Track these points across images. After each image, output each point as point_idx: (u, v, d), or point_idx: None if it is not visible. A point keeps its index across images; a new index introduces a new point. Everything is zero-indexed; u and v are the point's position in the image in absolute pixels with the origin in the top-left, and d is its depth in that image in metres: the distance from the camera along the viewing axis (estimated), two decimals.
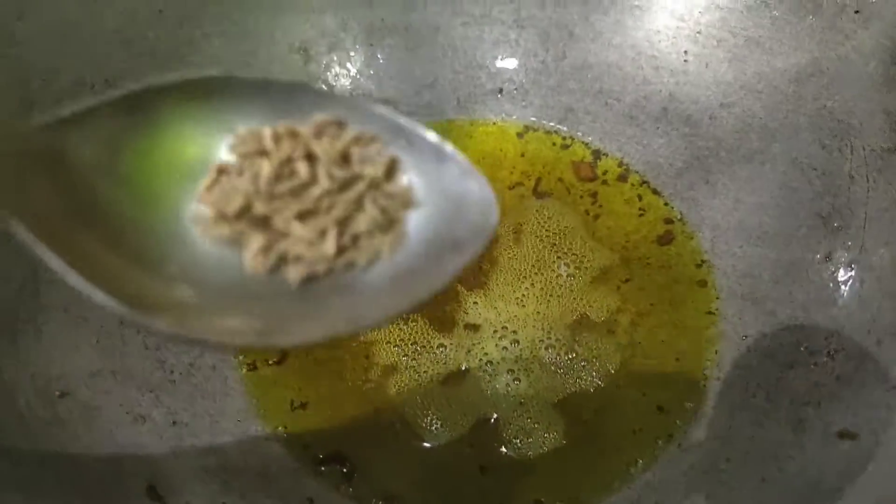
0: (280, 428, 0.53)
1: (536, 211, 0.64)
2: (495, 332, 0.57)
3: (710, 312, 0.58)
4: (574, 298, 0.59)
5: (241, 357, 0.56)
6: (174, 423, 0.51)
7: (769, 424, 0.51)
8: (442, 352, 0.56)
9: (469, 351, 0.57)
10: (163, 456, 0.48)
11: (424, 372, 0.56)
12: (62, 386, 0.48)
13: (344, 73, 0.69)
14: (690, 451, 0.51)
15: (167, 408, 0.51)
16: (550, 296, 0.59)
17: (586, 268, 0.60)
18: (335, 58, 0.69)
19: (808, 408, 0.50)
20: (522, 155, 0.67)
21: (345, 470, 0.51)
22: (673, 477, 0.50)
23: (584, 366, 0.56)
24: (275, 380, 0.55)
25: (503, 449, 0.53)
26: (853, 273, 0.54)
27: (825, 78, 0.60)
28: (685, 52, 0.65)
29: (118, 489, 0.44)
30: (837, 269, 0.55)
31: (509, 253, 0.61)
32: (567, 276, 0.59)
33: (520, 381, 0.55)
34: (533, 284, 0.59)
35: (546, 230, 0.62)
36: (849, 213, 0.56)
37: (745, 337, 0.56)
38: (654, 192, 0.64)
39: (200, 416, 0.52)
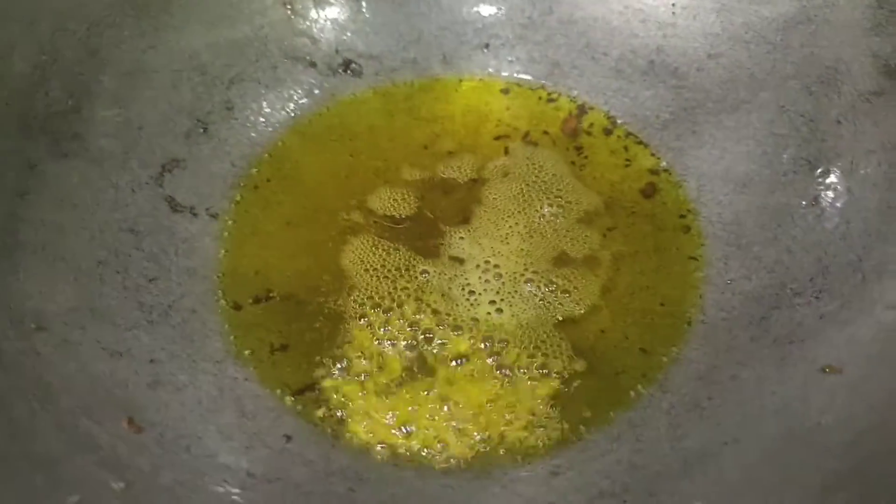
0: (258, 369, 0.52)
1: (523, 158, 0.63)
2: (478, 265, 0.57)
3: (694, 258, 0.57)
4: (557, 237, 0.58)
5: (220, 295, 0.55)
6: (151, 360, 0.50)
7: (752, 364, 0.50)
8: (425, 277, 0.56)
9: (452, 279, 0.56)
10: (139, 390, 0.48)
11: (406, 294, 0.55)
12: (38, 320, 0.48)
13: (329, 27, 0.68)
14: (672, 391, 0.51)
15: (145, 346, 0.51)
16: (534, 233, 0.58)
17: (571, 209, 0.60)
18: (320, 12, 0.68)
19: (793, 346, 0.50)
20: (508, 109, 0.67)
21: (321, 407, 0.51)
22: (654, 416, 0.50)
23: (564, 299, 0.55)
24: (256, 322, 0.55)
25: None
26: (839, 215, 0.54)
27: (812, 25, 0.59)
28: (673, 4, 0.65)
29: (96, 416, 0.44)
30: (823, 212, 0.55)
31: (495, 194, 0.61)
32: (550, 216, 0.59)
33: (501, 311, 0.54)
34: (517, 223, 0.59)
35: (532, 175, 0.62)
36: (836, 156, 0.56)
37: (730, 281, 0.55)
38: (641, 143, 0.64)
39: (178, 355, 0.51)
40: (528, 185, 0.61)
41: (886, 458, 0.39)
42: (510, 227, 0.59)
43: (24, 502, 0.38)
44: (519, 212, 0.60)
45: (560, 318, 0.54)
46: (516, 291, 0.55)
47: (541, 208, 0.60)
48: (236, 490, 0.44)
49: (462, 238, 0.58)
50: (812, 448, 0.42)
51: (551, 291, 0.55)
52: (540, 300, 0.55)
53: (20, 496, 0.38)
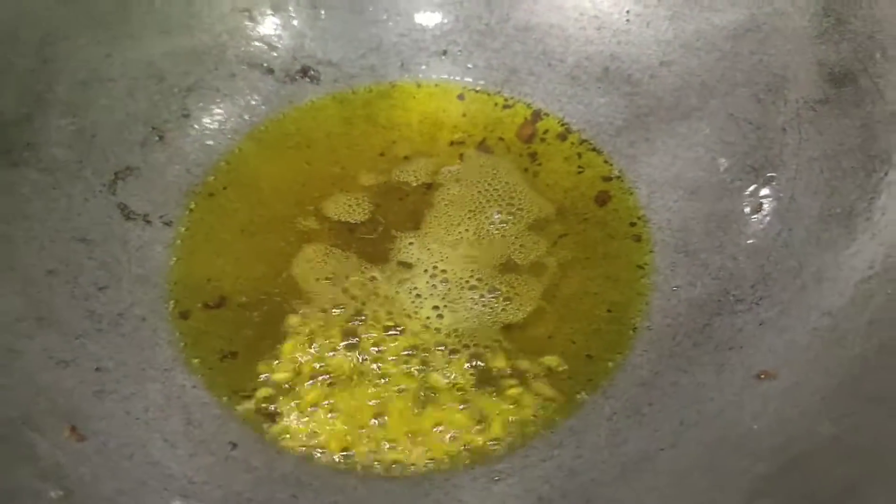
0: (207, 376, 0.53)
1: (477, 164, 0.64)
2: (426, 270, 0.57)
3: (642, 266, 0.58)
4: (506, 243, 0.59)
5: (172, 303, 0.56)
6: (98, 369, 0.51)
7: (693, 370, 0.51)
8: (373, 283, 0.57)
9: (400, 283, 0.57)
10: (85, 399, 0.48)
11: (353, 299, 0.56)
12: None
13: (287, 34, 0.69)
14: (615, 397, 0.51)
15: (92, 355, 0.51)
16: (483, 239, 0.59)
17: (522, 216, 0.60)
18: (278, 19, 0.69)
19: (731, 352, 0.50)
20: (464, 115, 0.68)
21: (267, 414, 0.51)
22: (596, 422, 0.50)
23: (508, 305, 0.56)
24: (206, 329, 0.55)
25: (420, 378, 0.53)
26: (782, 222, 0.55)
27: (761, 33, 0.60)
28: (627, 11, 0.66)
29: (37, 426, 0.44)
30: (767, 220, 0.55)
31: (447, 200, 0.61)
32: (500, 223, 0.59)
33: (443, 316, 0.55)
34: (467, 229, 0.60)
35: (485, 181, 0.63)
36: (781, 164, 0.57)
37: (676, 288, 0.56)
38: (594, 150, 0.64)
39: (126, 363, 0.52)
40: (480, 191, 0.62)
41: (813, 462, 0.40)
42: (460, 233, 0.59)
43: None
44: (469, 218, 0.60)
45: (505, 324, 0.55)
46: (461, 297, 0.56)
47: (491, 215, 0.60)
48: (178, 499, 0.45)
49: (412, 243, 0.59)
50: (743, 453, 0.43)
51: (496, 297, 0.56)
52: (484, 306, 0.55)
53: None
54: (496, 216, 0.60)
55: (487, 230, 0.60)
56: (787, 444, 0.42)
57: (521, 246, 0.59)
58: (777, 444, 0.42)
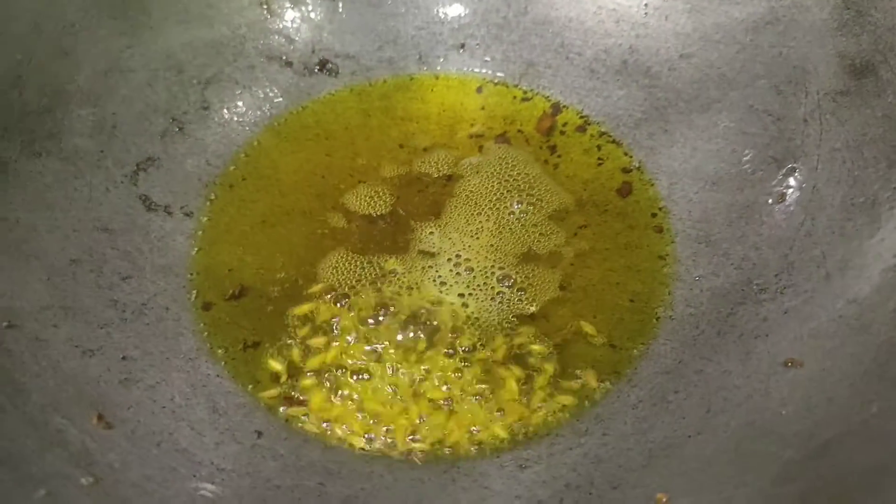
0: (231, 366, 0.53)
1: (496, 156, 0.64)
2: (449, 259, 0.57)
3: (663, 256, 0.58)
4: (527, 234, 0.59)
5: (194, 293, 0.56)
6: (124, 358, 0.51)
7: (718, 358, 0.51)
8: (394, 274, 0.57)
9: (423, 272, 0.57)
10: (111, 387, 0.48)
11: (375, 290, 0.56)
12: (10, 318, 0.48)
13: (305, 27, 0.69)
14: (640, 385, 0.51)
15: (117, 344, 0.51)
16: (503, 230, 0.59)
17: (541, 207, 0.61)
18: (297, 12, 0.69)
19: (757, 341, 0.50)
20: (483, 108, 0.68)
21: (293, 403, 0.51)
22: (621, 410, 0.50)
23: (533, 295, 0.56)
24: (228, 319, 0.55)
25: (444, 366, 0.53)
26: (805, 212, 0.55)
27: (781, 25, 0.60)
28: (646, 4, 0.66)
29: (67, 413, 0.44)
30: (790, 210, 0.56)
31: (467, 191, 0.61)
32: (521, 213, 0.59)
33: (468, 305, 0.55)
34: (488, 218, 0.60)
35: (505, 173, 0.63)
36: (802, 155, 0.57)
37: (699, 278, 0.56)
38: (614, 142, 0.64)
39: (151, 353, 0.52)
40: (500, 182, 0.62)
41: (841, 447, 0.40)
42: (480, 223, 0.59)
43: None
44: (490, 208, 0.60)
45: (529, 314, 0.55)
46: (485, 285, 0.56)
47: (511, 205, 0.60)
48: (206, 485, 0.45)
49: (432, 233, 0.59)
50: (770, 439, 0.43)
51: (521, 287, 0.56)
52: (506, 295, 0.55)
53: None
54: (516, 207, 0.60)
55: (507, 220, 0.60)
56: (814, 429, 0.42)
57: (541, 236, 0.59)
58: (804, 430, 0.42)
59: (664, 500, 0.42)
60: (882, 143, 0.53)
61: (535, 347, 0.53)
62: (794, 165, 0.57)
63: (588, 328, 0.53)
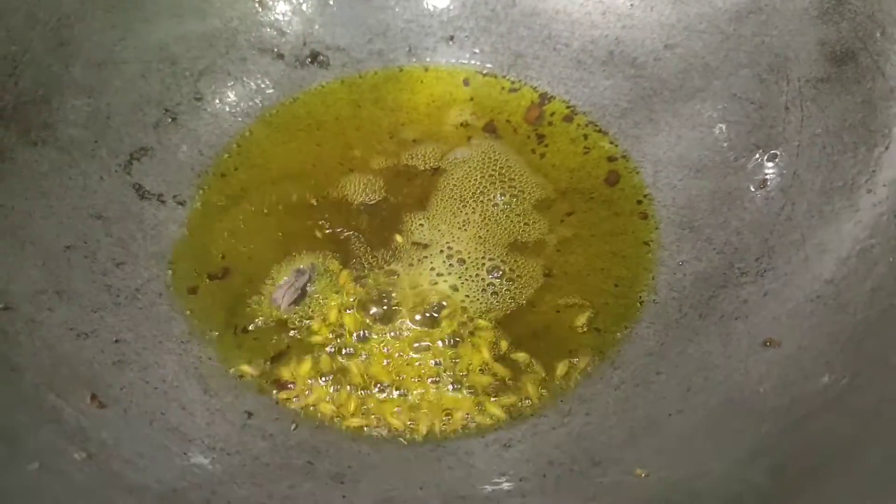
0: (221, 349, 0.54)
1: (486, 145, 0.65)
2: (441, 251, 0.58)
3: (648, 242, 0.59)
4: (512, 223, 0.60)
5: (186, 279, 0.57)
6: (117, 340, 0.52)
7: (699, 339, 0.52)
8: (386, 264, 0.58)
9: (418, 262, 0.58)
10: (105, 368, 0.49)
11: (361, 275, 0.57)
12: (5, 300, 0.49)
13: (296, 20, 0.70)
14: (622, 367, 0.52)
15: (111, 327, 0.52)
16: (489, 220, 0.60)
17: (527, 196, 0.62)
18: (288, 6, 0.70)
19: (737, 322, 0.51)
20: (471, 98, 0.69)
21: (281, 384, 0.52)
22: (604, 391, 0.51)
23: (522, 288, 0.57)
24: (219, 305, 0.56)
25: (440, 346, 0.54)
26: (785, 197, 0.56)
27: (763, 14, 0.61)
28: None
29: (61, 392, 0.45)
30: (771, 195, 0.57)
31: (453, 182, 0.62)
32: (504, 205, 0.61)
33: (463, 295, 0.56)
34: (473, 210, 0.61)
35: (493, 163, 0.64)
36: (784, 141, 0.58)
37: (682, 263, 0.57)
38: (600, 131, 0.65)
39: (144, 336, 0.53)
40: (488, 172, 0.63)
41: (815, 421, 0.41)
42: (466, 214, 0.60)
43: None
44: (475, 201, 0.61)
45: (515, 300, 0.56)
46: (478, 276, 0.57)
47: (495, 197, 0.61)
48: (197, 461, 0.46)
49: (422, 225, 0.60)
50: (748, 415, 0.44)
51: (510, 278, 0.57)
52: (495, 283, 0.56)
53: None
54: (499, 198, 0.61)
55: (492, 212, 0.61)
56: (790, 405, 0.43)
57: (527, 225, 0.60)
58: (781, 406, 0.44)
59: (643, 474, 0.43)
60: (861, 129, 0.54)
61: (521, 334, 0.54)
62: (776, 152, 0.58)
63: (580, 319, 0.54)
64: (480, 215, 0.60)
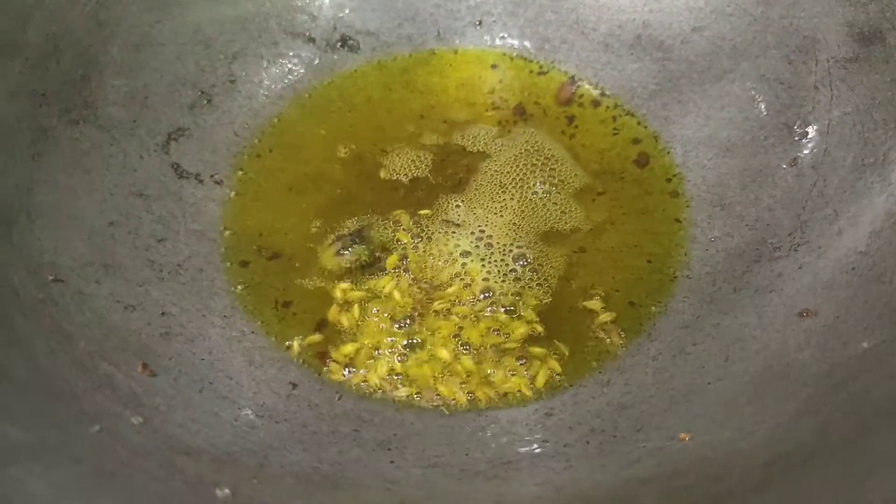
0: (264, 323, 0.55)
1: (516, 128, 0.66)
2: (472, 232, 0.59)
3: (679, 219, 0.60)
4: (548, 204, 0.61)
5: (227, 255, 0.58)
6: (163, 313, 0.53)
7: (734, 312, 0.53)
8: (419, 238, 0.59)
9: (446, 240, 0.59)
10: (153, 339, 0.50)
11: (401, 253, 0.58)
12: (56, 273, 0.50)
13: (327, 4, 0.71)
14: (659, 339, 0.53)
15: (156, 300, 0.53)
16: (525, 208, 0.61)
17: (560, 175, 0.63)
18: None
19: (772, 295, 0.52)
20: (500, 81, 0.70)
21: (325, 357, 0.53)
22: (642, 362, 0.52)
23: (556, 260, 0.58)
24: (260, 280, 0.57)
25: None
26: (817, 174, 0.57)
27: None
28: None
29: (113, 360, 0.46)
30: (802, 172, 0.58)
31: (489, 164, 0.63)
32: (543, 193, 0.61)
33: (486, 278, 0.57)
34: (512, 196, 0.62)
35: (524, 145, 0.65)
36: (814, 120, 0.59)
37: (714, 239, 0.58)
38: (629, 113, 0.66)
39: (188, 310, 0.54)
40: (519, 153, 0.64)
41: (856, 383, 0.42)
42: (504, 201, 0.61)
43: (48, 426, 0.40)
44: (514, 187, 0.62)
45: (554, 276, 0.57)
46: (503, 262, 0.58)
47: (534, 184, 0.62)
48: (247, 427, 0.47)
49: (458, 206, 0.61)
50: (789, 380, 0.45)
51: (543, 253, 0.58)
52: (532, 260, 0.57)
53: (43, 421, 0.40)
54: (539, 186, 0.62)
55: (530, 199, 0.62)
56: (831, 370, 0.44)
57: (562, 202, 0.61)
58: (821, 371, 0.45)
59: (686, 438, 0.44)
60: (891, 106, 0.55)
61: (555, 309, 0.55)
62: (806, 130, 0.59)
63: (593, 305, 0.55)
64: (518, 202, 0.61)
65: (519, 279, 0.57)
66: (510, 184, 0.62)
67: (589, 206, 0.61)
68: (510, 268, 0.57)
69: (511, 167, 0.63)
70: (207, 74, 0.66)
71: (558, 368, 0.52)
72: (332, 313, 0.55)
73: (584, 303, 0.56)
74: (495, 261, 0.58)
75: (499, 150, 0.64)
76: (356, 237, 0.58)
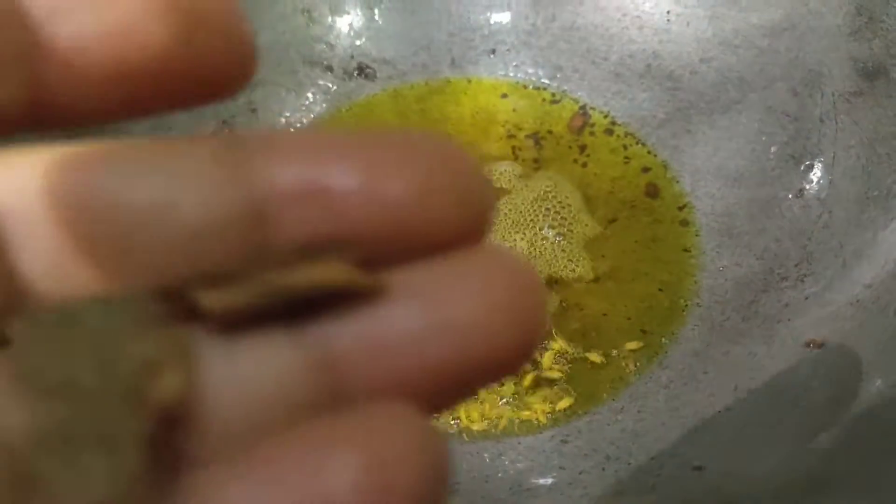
0: None
1: (530, 154, 0.68)
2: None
3: (689, 248, 0.62)
4: (562, 222, 0.63)
5: None
6: None
7: (743, 341, 0.55)
8: None
9: None
10: None
11: None
12: None
13: (344, 33, 0.73)
14: (671, 366, 0.55)
15: None
16: (536, 250, 0.63)
17: (573, 198, 0.65)
18: (336, 19, 0.73)
19: (780, 325, 0.54)
20: (514, 110, 0.72)
21: None
22: (654, 389, 0.54)
23: (567, 285, 0.60)
24: None
25: None
26: (822, 206, 0.59)
27: (797, 31, 0.64)
28: (668, 11, 0.70)
29: None
30: (808, 203, 0.59)
31: (506, 207, 0.66)
32: (554, 237, 0.63)
33: None
34: (524, 237, 0.64)
35: (538, 186, 0.67)
36: (819, 152, 0.61)
37: (723, 268, 0.60)
38: (639, 142, 0.68)
39: None
40: (543, 205, 0.66)
41: (865, 415, 0.44)
42: (515, 241, 0.63)
43: None
44: (526, 228, 0.64)
45: (563, 303, 0.59)
46: None
47: (544, 230, 0.64)
48: None
49: None
50: (797, 409, 0.47)
51: (554, 280, 0.60)
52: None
53: None
54: (548, 231, 0.64)
55: (540, 242, 0.64)
56: (840, 396, 0.46)
57: (574, 224, 0.63)
58: (831, 398, 0.46)
59: (700, 467, 0.46)
60: (894, 140, 0.57)
61: (570, 337, 0.57)
62: (812, 162, 0.61)
63: (594, 357, 0.57)
64: (529, 245, 0.63)
65: None
66: (522, 225, 0.64)
67: (601, 230, 0.62)
68: None
69: (521, 207, 0.65)
70: (228, 104, 0.68)
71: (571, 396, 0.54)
72: None
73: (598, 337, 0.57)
74: None
75: (511, 175, 0.66)
76: None
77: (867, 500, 0.39)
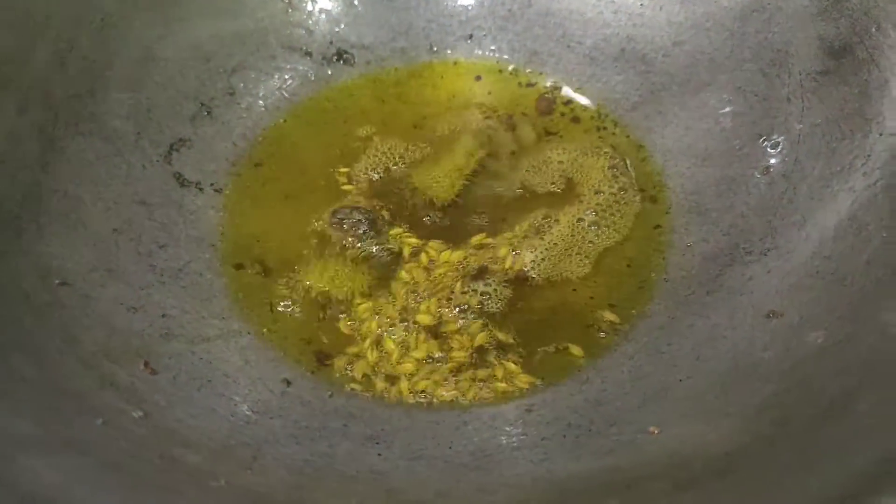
0: (260, 324, 0.58)
1: (504, 137, 0.69)
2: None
3: (658, 226, 0.63)
4: (534, 203, 0.64)
5: (225, 258, 0.61)
6: (163, 315, 0.56)
7: (707, 313, 0.55)
8: (411, 243, 0.62)
9: (439, 247, 0.62)
10: (154, 340, 0.53)
11: (388, 256, 0.61)
12: (62, 277, 0.53)
13: (323, 19, 0.74)
14: (636, 340, 0.56)
15: (157, 303, 0.56)
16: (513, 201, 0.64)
17: (543, 183, 0.66)
18: (315, 5, 0.74)
19: (742, 297, 0.55)
20: (490, 93, 0.73)
21: (318, 357, 0.56)
22: (619, 361, 0.55)
23: (537, 263, 0.61)
24: (256, 284, 0.60)
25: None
26: (787, 182, 0.59)
27: (766, 13, 0.65)
28: None
29: (116, 359, 0.49)
30: (773, 180, 0.60)
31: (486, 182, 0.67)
32: (521, 190, 0.64)
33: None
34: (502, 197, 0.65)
35: (510, 155, 0.68)
36: (786, 131, 0.62)
37: (690, 244, 0.61)
38: (612, 123, 0.69)
39: (188, 312, 0.57)
40: (506, 160, 0.67)
41: (815, 378, 0.45)
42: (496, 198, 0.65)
43: (56, 420, 0.43)
44: (500, 186, 0.65)
45: (535, 280, 0.60)
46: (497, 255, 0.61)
47: (516, 186, 0.65)
48: (242, 423, 0.50)
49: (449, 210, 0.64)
50: (754, 377, 0.48)
51: (530, 256, 0.61)
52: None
53: (51, 416, 0.43)
54: (518, 189, 0.65)
55: (516, 195, 0.65)
56: (793, 367, 0.47)
57: (546, 208, 0.64)
58: (784, 369, 0.47)
59: (656, 432, 0.47)
60: (857, 117, 0.58)
61: (541, 310, 0.58)
62: (778, 140, 0.62)
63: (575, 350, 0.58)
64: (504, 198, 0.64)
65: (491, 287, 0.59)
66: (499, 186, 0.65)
67: (573, 209, 0.63)
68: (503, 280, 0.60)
69: (495, 171, 0.66)
70: (208, 88, 0.69)
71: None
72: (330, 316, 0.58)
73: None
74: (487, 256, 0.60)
75: (485, 155, 0.67)
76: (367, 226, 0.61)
77: (809, 457, 0.40)
